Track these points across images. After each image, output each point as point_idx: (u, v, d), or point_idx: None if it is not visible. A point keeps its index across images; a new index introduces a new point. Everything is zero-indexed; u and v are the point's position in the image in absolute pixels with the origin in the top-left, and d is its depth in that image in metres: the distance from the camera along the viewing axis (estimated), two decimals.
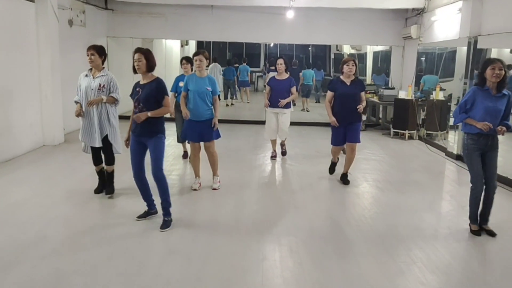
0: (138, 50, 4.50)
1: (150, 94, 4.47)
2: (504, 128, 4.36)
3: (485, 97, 4.46)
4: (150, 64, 4.52)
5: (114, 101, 5.30)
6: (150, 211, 4.88)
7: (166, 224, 4.56)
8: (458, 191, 6.11)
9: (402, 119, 9.95)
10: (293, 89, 7.38)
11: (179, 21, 11.54)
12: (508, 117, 4.44)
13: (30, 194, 5.48)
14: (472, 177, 4.64)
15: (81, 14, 9.77)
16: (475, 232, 4.64)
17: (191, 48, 17.42)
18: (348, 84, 6.09)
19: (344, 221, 4.92)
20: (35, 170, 6.64)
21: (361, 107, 6.07)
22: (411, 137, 9.91)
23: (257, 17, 11.41)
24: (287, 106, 7.47)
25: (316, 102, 16.30)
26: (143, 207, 4.97)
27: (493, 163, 4.61)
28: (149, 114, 4.43)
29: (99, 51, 5.18)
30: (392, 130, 10.22)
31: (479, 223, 4.70)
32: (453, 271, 3.86)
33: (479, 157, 4.57)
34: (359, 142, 6.25)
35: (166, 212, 4.60)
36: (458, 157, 7.92)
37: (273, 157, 7.80)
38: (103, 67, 5.29)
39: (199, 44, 18.26)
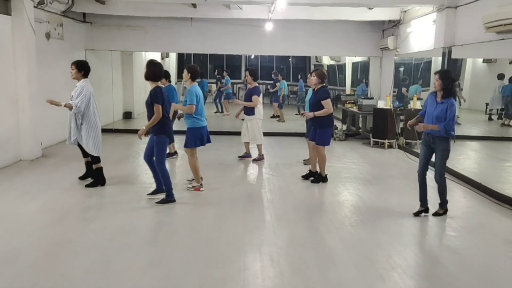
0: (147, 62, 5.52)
1: (148, 100, 5.40)
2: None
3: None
4: (148, 74, 5.41)
5: (70, 108, 5.97)
6: (157, 190, 5.78)
7: (162, 201, 5.58)
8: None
9: (381, 128, 10.09)
10: (253, 97, 7.94)
11: (158, 33, 11.56)
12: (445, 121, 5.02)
13: (6, 209, 5.36)
14: (444, 170, 5.33)
15: (58, 27, 9.69)
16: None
17: (172, 60, 17.42)
18: (313, 92, 6.83)
19: (325, 229, 4.94)
20: (11, 185, 6.49)
21: (307, 114, 6.77)
22: (390, 146, 10.05)
23: (237, 29, 11.51)
24: (248, 113, 8.05)
25: (297, 114, 16.34)
26: (122, 222, 4.97)
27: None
28: (144, 127, 5.43)
29: (77, 66, 6.10)
30: (371, 139, 10.35)
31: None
32: (432, 276, 3.91)
33: None
34: (318, 144, 6.76)
35: (166, 194, 5.61)
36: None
37: (242, 156, 8.51)
38: (83, 79, 6.11)
39: (180, 57, 18.30)
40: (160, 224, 5.07)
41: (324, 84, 6.79)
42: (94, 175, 6.33)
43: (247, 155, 8.53)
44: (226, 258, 4.12)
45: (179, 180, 6.75)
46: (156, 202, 5.56)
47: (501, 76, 12.01)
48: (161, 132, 5.44)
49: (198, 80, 7.26)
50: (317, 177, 6.95)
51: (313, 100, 6.71)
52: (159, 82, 5.55)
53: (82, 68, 6.07)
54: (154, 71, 5.42)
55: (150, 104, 5.35)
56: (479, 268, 4.12)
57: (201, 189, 6.23)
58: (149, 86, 5.52)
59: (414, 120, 5.44)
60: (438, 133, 5.07)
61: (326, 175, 6.93)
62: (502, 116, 12.42)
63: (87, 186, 6.27)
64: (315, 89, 6.74)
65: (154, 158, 5.56)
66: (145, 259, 4.09)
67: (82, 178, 6.54)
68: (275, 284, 3.69)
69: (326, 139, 6.78)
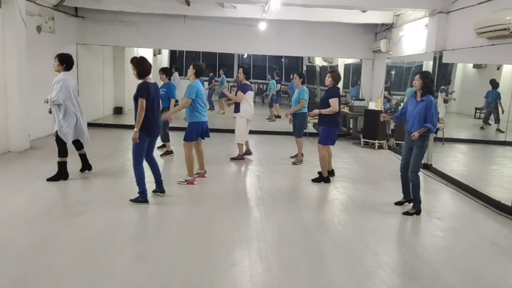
0: (131, 61, 5.34)
1: (134, 96, 5.18)
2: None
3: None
4: (139, 71, 5.24)
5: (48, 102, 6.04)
6: (156, 189, 5.69)
7: (135, 199, 5.36)
8: (424, 198, 6.24)
9: (372, 129, 10.16)
10: (238, 93, 8.02)
11: (151, 30, 11.51)
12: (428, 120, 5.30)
13: None
14: (419, 167, 5.53)
15: (50, 21, 9.60)
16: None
17: (164, 57, 17.34)
18: (326, 91, 6.93)
19: (313, 227, 4.96)
20: None
21: (313, 112, 6.89)
22: (380, 147, 10.12)
23: (230, 28, 11.51)
24: (235, 110, 8.19)
25: None
26: (109, 216, 4.95)
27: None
28: (135, 129, 5.11)
29: (60, 59, 6.04)
30: (362, 140, 10.42)
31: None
32: (419, 275, 3.95)
33: None
34: (320, 142, 6.86)
35: (139, 193, 5.35)
36: (425, 166, 8.14)
37: (244, 154, 8.41)
38: (63, 72, 6.04)
39: (172, 53, 18.23)
40: (148, 219, 5.05)
41: (337, 86, 6.90)
42: (59, 168, 6.22)
43: (247, 152, 8.58)
44: (215, 254, 4.11)
45: (174, 176, 6.71)
46: (130, 200, 5.39)
47: (492, 82, 12.14)
48: (140, 128, 5.12)
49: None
50: (318, 177, 7.00)
51: (323, 98, 6.84)
52: (150, 77, 5.30)
53: (65, 62, 6.02)
54: (144, 68, 5.24)
55: (135, 98, 5.17)
56: (465, 268, 4.16)
57: (194, 182, 6.33)
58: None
59: (389, 117, 5.97)
60: (417, 130, 5.31)
61: (328, 176, 6.98)
62: (484, 121, 12.58)
63: (48, 179, 6.15)
64: (328, 88, 6.86)
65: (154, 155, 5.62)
66: (132, 253, 4.07)
67: (82, 170, 6.66)
68: (263, 279, 3.69)
69: (330, 138, 6.83)
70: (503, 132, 11.88)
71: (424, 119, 5.29)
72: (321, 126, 6.95)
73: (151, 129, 5.27)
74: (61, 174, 6.22)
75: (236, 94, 8.11)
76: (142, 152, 5.29)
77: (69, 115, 6.02)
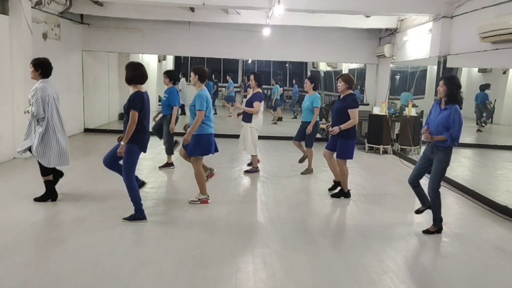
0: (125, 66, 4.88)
1: (126, 106, 4.79)
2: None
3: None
4: (127, 77, 4.82)
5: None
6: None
7: (130, 217, 4.97)
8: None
9: (377, 134, 10.15)
10: (254, 103, 7.26)
11: (156, 36, 11.60)
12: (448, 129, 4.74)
13: None
14: (439, 184, 4.99)
15: (56, 28, 9.70)
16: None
17: (169, 63, 17.47)
18: (340, 99, 6.31)
19: (318, 233, 4.95)
20: (4, 183, 6.47)
21: (334, 130, 6.14)
22: (385, 152, 10.09)
23: (234, 34, 11.58)
24: (246, 119, 7.41)
25: (293, 118, 16.46)
26: (114, 222, 4.95)
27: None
28: (122, 143, 4.74)
29: (34, 64, 5.30)
30: (366, 144, 10.41)
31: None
32: (424, 281, 3.93)
33: None
34: (339, 157, 6.23)
35: (136, 210, 4.97)
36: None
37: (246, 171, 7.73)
38: (41, 80, 5.32)
39: (177, 59, 18.35)
40: (152, 224, 5.05)
41: (353, 92, 6.30)
42: (46, 187, 5.55)
43: (254, 169, 7.69)
44: (219, 260, 4.11)
45: (181, 192, 6.70)
46: (124, 218, 4.96)
47: (481, 86, 12.31)
48: (132, 141, 4.74)
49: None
50: (339, 191, 6.45)
51: (339, 107, 6.19)
52: (142, 86, 4.88)
53: (40, 67, 5.26)
54: (134, 73, 4.80)
55: (127, 109, 4.75)
56: (471, 274, 4.13)
57: (208, 201, 5.77)
58: (149, 87, 5.14)
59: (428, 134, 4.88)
60: (439, 142, 4.81)
61: (349, 190, 6.39)
62: (479, 123, 12.66)
63: (35, 199, 5.51)
64: (342, 95, 6.23)
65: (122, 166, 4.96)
66: (137, 259, 4.07)
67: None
68: (267, 286, 3.68)
69: (349, 152, 6.21)
70: (481, 131, 11.96)
71: (446, 130, 4.73)
72: (337, 138, 6.22)
73: (145, 142, 4.95)
74: (49, 194, 5.54)
75: (248, 105, 7.40)
76: (134, 167, 4.94)
77: (52, 132, 5.32)
